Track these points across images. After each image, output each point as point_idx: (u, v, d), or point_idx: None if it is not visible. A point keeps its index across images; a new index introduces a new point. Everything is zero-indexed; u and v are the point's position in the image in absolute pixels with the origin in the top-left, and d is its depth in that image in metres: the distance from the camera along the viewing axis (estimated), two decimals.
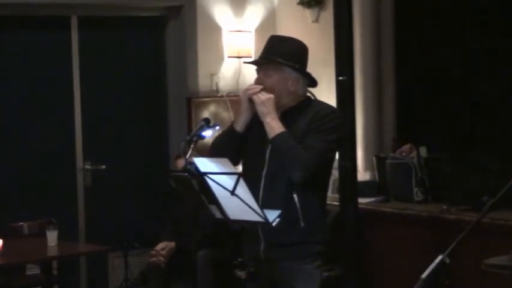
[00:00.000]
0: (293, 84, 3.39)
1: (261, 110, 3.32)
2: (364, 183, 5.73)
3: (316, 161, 3.23)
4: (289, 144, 3.25)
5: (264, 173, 3.34)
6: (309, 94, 3.52)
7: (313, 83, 3.48)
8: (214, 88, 6.69)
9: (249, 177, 3.04)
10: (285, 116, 3.37)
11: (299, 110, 3.38)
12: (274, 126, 3.29)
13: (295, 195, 3.28)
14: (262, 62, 3.44)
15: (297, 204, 3.29)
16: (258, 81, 3.42)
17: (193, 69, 6.64)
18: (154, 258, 5.56)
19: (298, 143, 3.26)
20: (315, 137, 3.27)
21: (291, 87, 3.39)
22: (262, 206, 3.06)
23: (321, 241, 3.38)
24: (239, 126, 3.43)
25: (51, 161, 6.39)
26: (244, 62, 3.78)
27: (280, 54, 3.37)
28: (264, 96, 3.32)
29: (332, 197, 5.26)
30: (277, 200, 3.23)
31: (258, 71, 3.46)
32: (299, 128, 3.32)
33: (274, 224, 3.09)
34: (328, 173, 3.51)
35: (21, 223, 5.76)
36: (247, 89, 3.42)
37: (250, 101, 3.36)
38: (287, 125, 3.31)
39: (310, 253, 3.35)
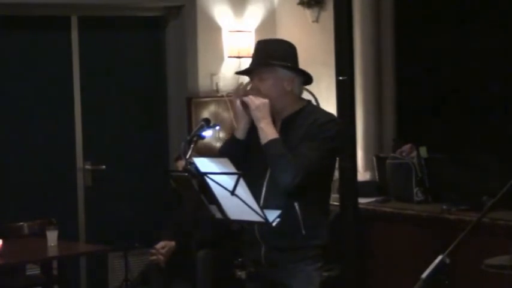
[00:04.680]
0: (289, 84, 3.36)
1: (255, 115, 3.30)
2: (364, 183, 5.73)
3: (305, 169, 3.19)
4: (280, 151, 3.22)
5: (265, 180, 3.32)
6: (311, 98, 3.50)
7: (308, 79, 3.46)
8: (214, 88, 6.69)
9: (251, 184, 3.02)
10: (285, 124, 3.35)
11: (298, 118, 3.36)
12: (267, 131, 3.26)
13: (296, 203, 3.26)
14: (254, 67, 3.40)
15: (298, 212, 3.27)
16: (253, 87, 3.39)
17: (193, 69, 6.64)
18: (154, 257, 5.57)
19: (295, 150, 3.24)
20: (309, 145, 3.24)
21: (287, 87, 3.36)
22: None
23: (321, 245, 3.37)
24: (240, 134, 3.40)
25: (51, 161, 6.40)
26: (236, 73, 3.73)
27: (271, 56, 3.35)
28: (259, 100, 3.29)
29: (332, 197, 5.25)
30: (278, 206, 3.20)
31: (251, 77, 3.43)
32: (297, 136, 3.29)
33: (274, 224, 3.09)
34: (329, 181, 3.47)
35: (21, 223, 5.77)
36: (237, 90, 3.40)
37: (244, 104, 3.34)
38: (286, 133, 3.30)
39: (310, 256, 3.34)
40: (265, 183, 3.32)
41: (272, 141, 3.25)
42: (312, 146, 3.23)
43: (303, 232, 3.28)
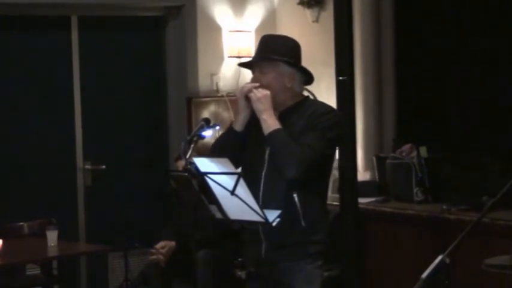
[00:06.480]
0: (289, 80, 3.38)
1: (257, 107, 3.31)
2: (364, 183, 5.73)
3: (310, 158, 3.21)
4: (284, 141, 3.23)
5: (263, 172, 3.33)
6: (308, 94, 3.51)
7: (309, 79, 3.47)
8: (214, 88, 6.69)
9: (249, 177, 3.03)
10: (284, 116, 3.36)
11: (297, 110, 3.38)
12: (270, 123, 3.28)
13: (295, 195, 3.28)
14: (256, 60, 3.43)
15: (297, 204, 3.28)
16: (254, 80, 3.42)
17: (193, 69, 6.64)
18: (154, 257, 5.57)
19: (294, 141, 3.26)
20: (311, 135, 3.26)
21: (287, 84, 3.38)
22: (262, 206, 3.06)
23: (322, 241, 3.38)
24: (238, 126, 3.41)
25: (51, 160, 6.40)
26: (239, 64, 3.77)
27: (274, 51, 3.37)
28: (261, 93, 3.31)
29: (332, 197, 5.26)
30: (277, 199, 3.23)
31: (253, 70, 3.46)
32: (297, 127, 3.31)
33: (274, 224, 3.09)
34: (328, 172, 3.49)
35: (21, 223, 5.76)
36: (243, 87, 3.42)
37: (247, 99, 3.35)
38: (285, 124, 3.31)
39: (311, 253, 3.35)
40: (263, 174, 3.33)
41: (275, 131, 3.26)
42: (314, 136, 3.25)
43: (303, 224, 3.28)
